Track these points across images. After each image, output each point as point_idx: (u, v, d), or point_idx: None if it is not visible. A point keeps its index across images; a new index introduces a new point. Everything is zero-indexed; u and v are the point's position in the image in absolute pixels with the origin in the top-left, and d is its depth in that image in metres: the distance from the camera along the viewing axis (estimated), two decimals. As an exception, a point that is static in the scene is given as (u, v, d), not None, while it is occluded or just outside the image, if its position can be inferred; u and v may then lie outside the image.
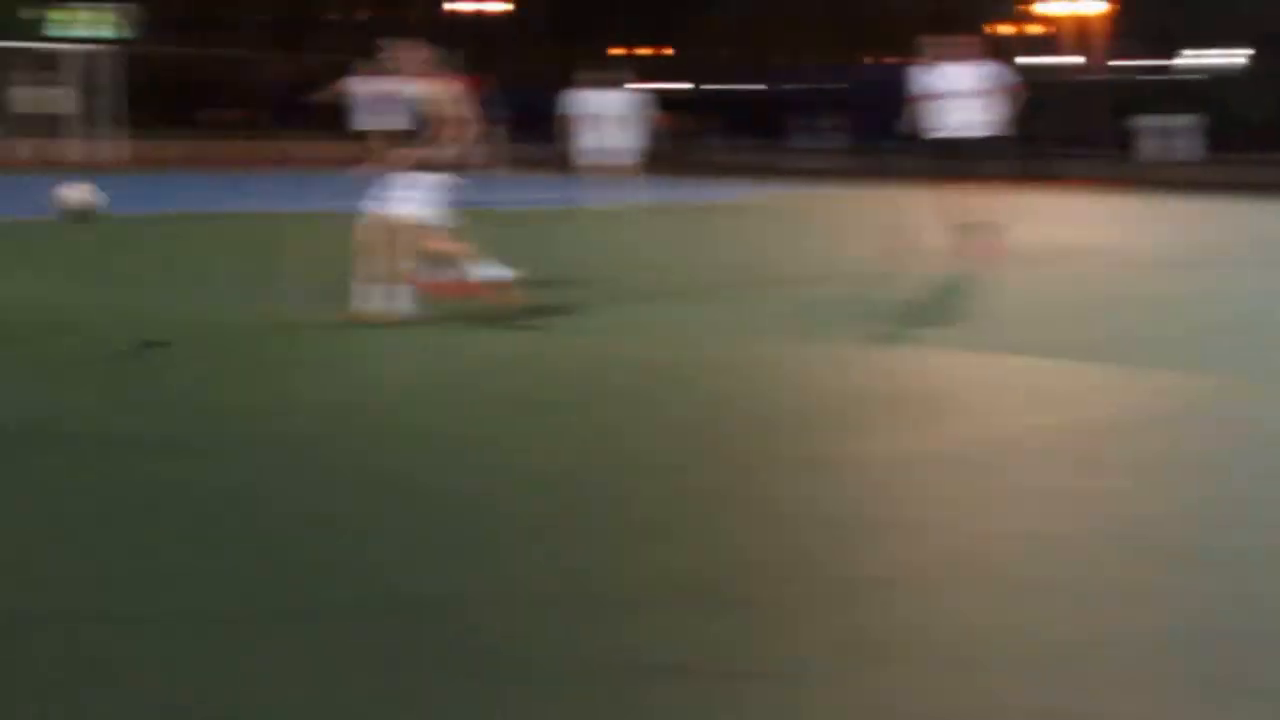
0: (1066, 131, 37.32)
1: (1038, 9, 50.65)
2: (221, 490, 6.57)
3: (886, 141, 28.91)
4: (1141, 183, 33.40)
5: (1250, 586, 5.44)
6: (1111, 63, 47.46)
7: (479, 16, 55.70)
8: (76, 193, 8.80)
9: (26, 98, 29.85)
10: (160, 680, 4.41)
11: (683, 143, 36.16)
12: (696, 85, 51.00)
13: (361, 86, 23.14)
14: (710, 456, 7.44)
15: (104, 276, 14.21)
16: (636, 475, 7.04)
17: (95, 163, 31.52)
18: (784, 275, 15.44)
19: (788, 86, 48.41)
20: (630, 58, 50.91)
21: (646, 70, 41.53)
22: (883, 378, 9.63)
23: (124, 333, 10.50)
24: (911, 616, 5.06)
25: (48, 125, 29.93)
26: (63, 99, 30.08)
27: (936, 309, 13.21)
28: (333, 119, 24.55)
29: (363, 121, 22.98)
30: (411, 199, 11.01)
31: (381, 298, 10.96)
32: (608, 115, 23.44)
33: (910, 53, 18.06)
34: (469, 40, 50.37)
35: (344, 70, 24.41)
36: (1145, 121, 39.02)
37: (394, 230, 10.95)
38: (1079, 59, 48.49)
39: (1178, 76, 46.57)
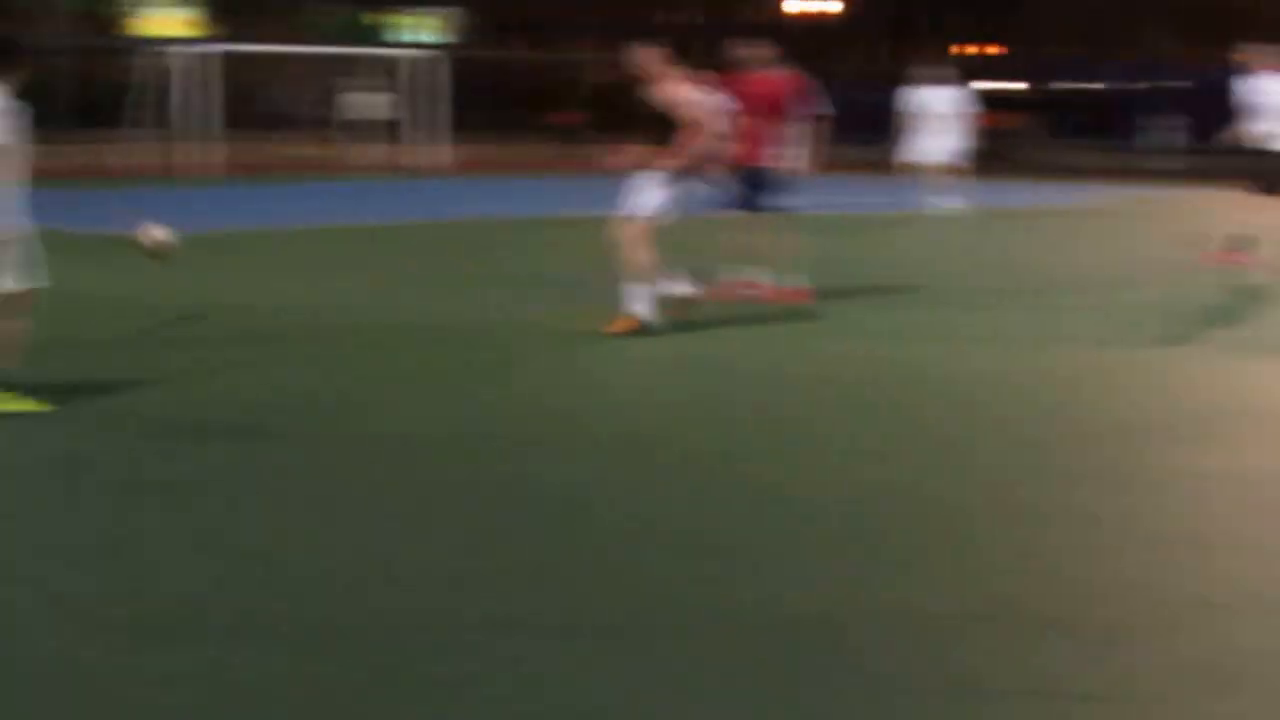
0: None
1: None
2: (580, 492, 6.87)
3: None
4: None
5: None
6: None
7: (811, 17, 55.85)
8: (155, 233, 9.18)
9: (358, 103, 31.09)
10: (523, 688, 4.57)
11: (1012, 143, 35.69)
12: (1031, 83, 50.17)
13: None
14: (1032, 469, 7.43)
15: (451, 281, 14.76)
16: (962, 489, 7.06)
17: (423, 167, 32.72)
18: (1116, 280, 15.13)
19: (1129, 84, 47.18)
20: (962, 55, 50.40)
21: (978, 68, 41.00)
22: (1220, 390, 9.42)
23: (463, 340, 10.97)
24: (1253, 642, 4.96)
25: (379, 130, 31.09)
26: (391, 104, 31.22)
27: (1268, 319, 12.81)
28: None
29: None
30: (650, 200, 11.21)
31: (644, 299, 11.11)
32: (938, 114, 23.29)
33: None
34: (803, 40, 50.69)
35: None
36: None
37: (636, 230, 11.17)
38: None
39: None
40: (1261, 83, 16.57)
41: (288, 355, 10.49)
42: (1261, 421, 8.50)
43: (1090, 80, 49.48)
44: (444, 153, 33.56)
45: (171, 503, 6.62)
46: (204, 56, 30.82)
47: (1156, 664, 4.77)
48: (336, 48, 38.53)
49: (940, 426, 8.42)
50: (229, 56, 32.10)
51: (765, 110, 12.86)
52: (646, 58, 11.16)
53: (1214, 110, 30.54)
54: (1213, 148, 28.89)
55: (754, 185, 12.94)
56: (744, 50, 13.06)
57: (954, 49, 52.65)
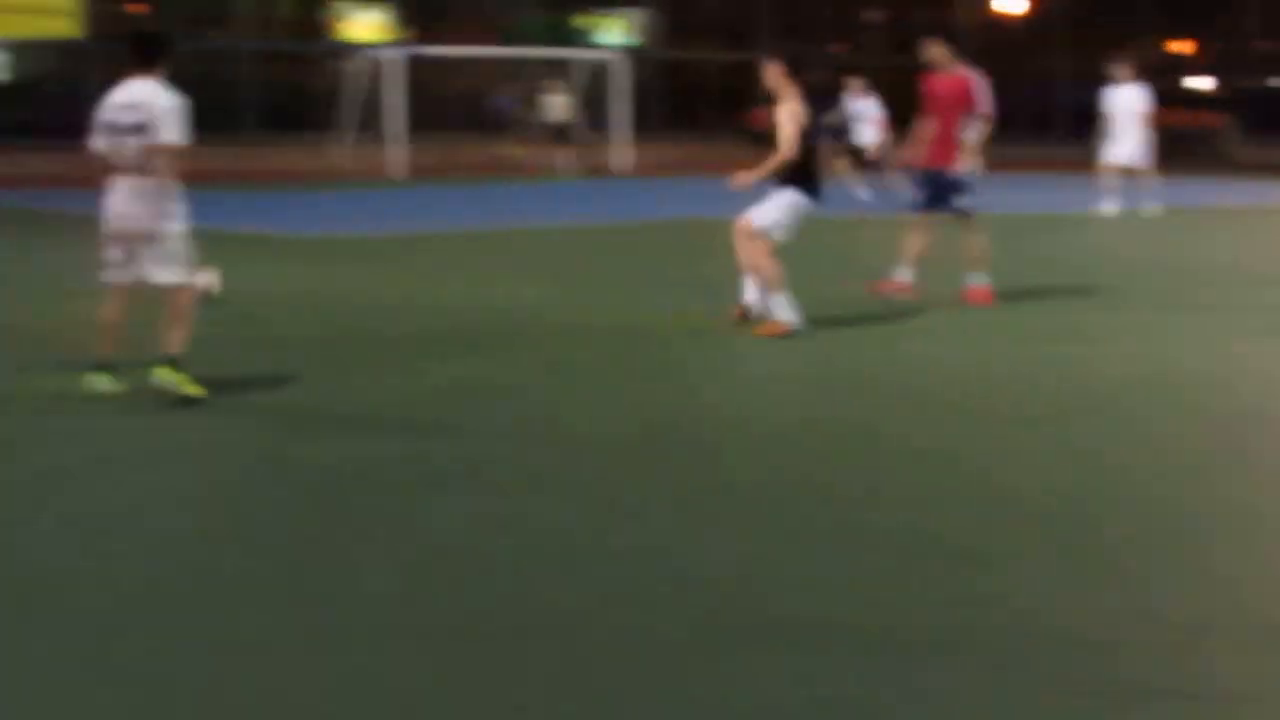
0: None
1: None
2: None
3: None
4: None
5: None
6: None
7: (1012, 17, 55.35)
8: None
9: (551, 104, 31.68)
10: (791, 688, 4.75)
11: (1211, 140, 35.14)
12: (1225, 81, 49.18)
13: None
14: (1240, 468, 7.57)
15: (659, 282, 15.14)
16: (1180, 490, 7.19)
17: (607, 169, 33.23)
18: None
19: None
20: (1154, 53, 49.56)
21: (1171, 67, 40.36)
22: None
23: (637, 338, 11.36)
24: None
25: (561, 132, 31.62)
26: (570, 105, 31.79)
27: None
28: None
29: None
30: (765, 211, 11.47)
31: (784, 305, 11.35)
32: (1126, 113, 23.18)
33: None
34: (1004, 38, 50.38)
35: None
36: None
37: (748, 238, 11.44)
38: None
39: None
40: None
41: (479, 352, 10.88)
42: None
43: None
44: (628, 154, 34.03)
45: (393, 502, 7.01)
46: (394, 60, 31.61)
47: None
48: (519, 49, 39.22)
49: (1151, 426, 8.55)
50: (417, 59, 32.88)
51: (943, 111, 13.01)
52: (770, 72, 11.39)
53: None
54: None
55: (937, 186, 13.10)
56: (926, 51, 13.20)
57: (1149, 47, 51.79)
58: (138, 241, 8.92)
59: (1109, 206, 22.86)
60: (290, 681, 4.80)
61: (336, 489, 7.08)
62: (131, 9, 41.59)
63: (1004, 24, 52.71)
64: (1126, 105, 23.17)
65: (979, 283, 13.07)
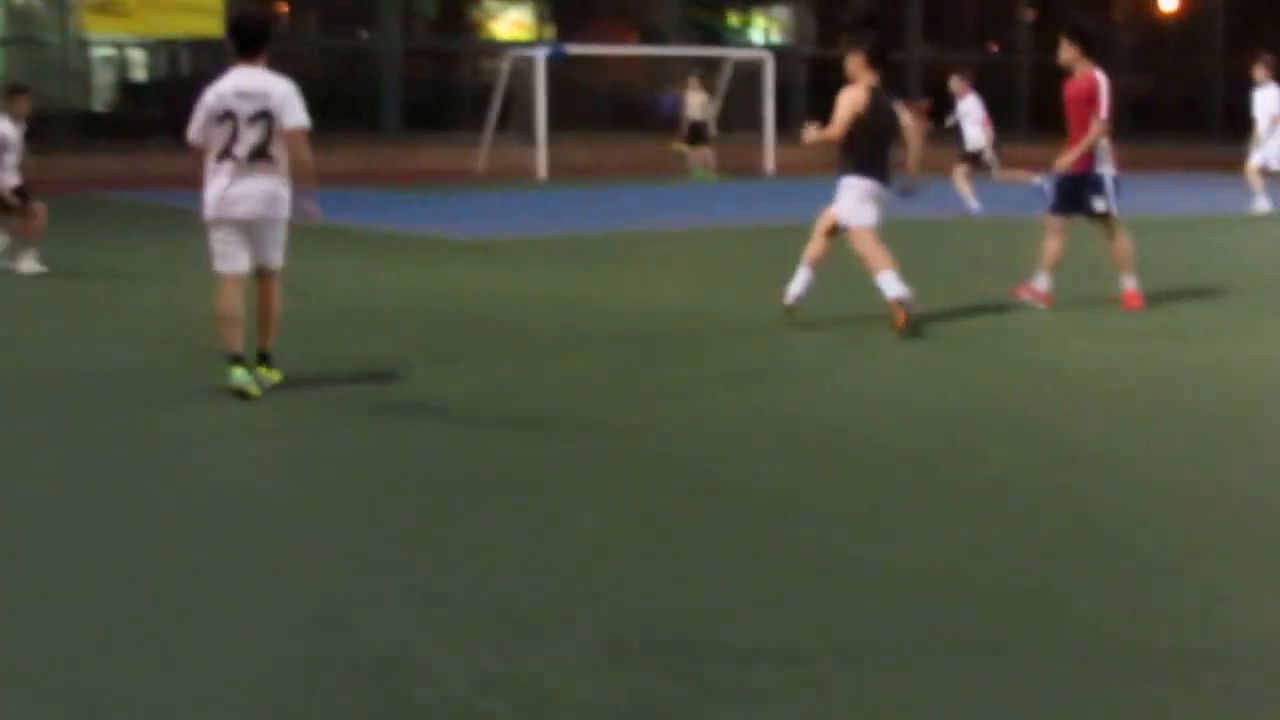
0: None
1: None
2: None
3: None
4: None
5: None
6: None
7: (1167, 16, 54.66)
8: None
9: (689, 103, 31.87)
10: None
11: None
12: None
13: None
14: None
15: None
16: None
17: (752, 168, 33.41)
18: None
19: None
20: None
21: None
22: None
23: (784, 339, 11.58)
24: None
25: (700, 131, 31.78)
26: (708, 104, 31.91)
27: None
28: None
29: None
30: (839, 205, 11.82)
31: (892, 283, 11.54)
32: (1265, 114, 22.97)
33: None
34: (1160, 37, 49.77)
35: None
36: None
37: (860, 234, 11.74)
38: None
39: None
40: None
41: (606, 352, 11.20)
42: None
43: None
44: (774, 154, 34.15)
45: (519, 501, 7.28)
46: (539, 59, 31.93)
47: None
48: (670, 48, 39.44)
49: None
50: (563, 57, 33.17)
51: (1074, 113, 12.95)
52: (852, 62, 11.77)
53: None
54: None
55: (1071, 190, 13.09)
56: (1061, 52, 13.16)
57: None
58: (262, 229, 9.20)
59: (1261, 207, 22.70)
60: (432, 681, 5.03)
61: (494, 484, 7.30)
62: (279, 7, 42.40)
63: (1161, 23, 52.05)
64: (1265, 106, 22.98)
65: (1130, 285, 13.08)
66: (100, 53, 37.77)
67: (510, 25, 45.55)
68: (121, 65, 39.37)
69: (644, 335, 11.77)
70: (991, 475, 7.56)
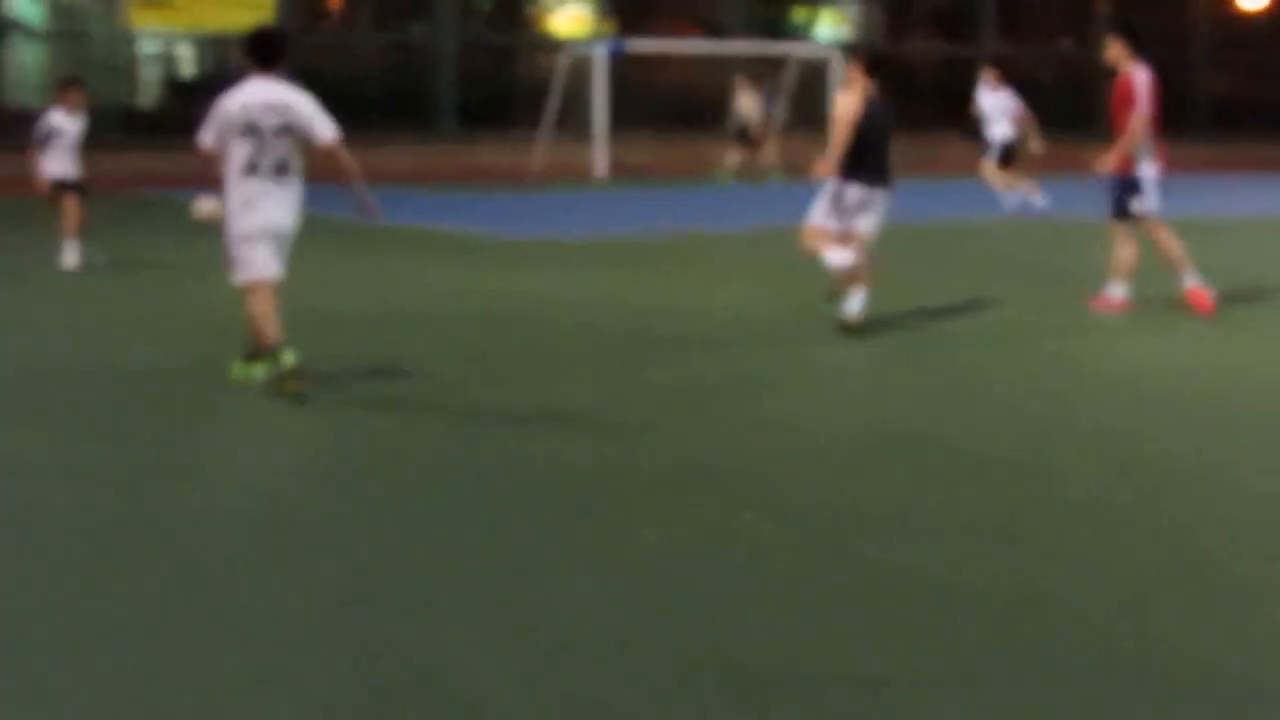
0: None
1: None
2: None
3: None
4: None
5: None
6: None
7: (1250, 14, 54.22)
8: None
9: (739, 103, 31.65)
10: None
11: None
12: None
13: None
14: None
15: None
16: None
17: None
18: None
19: None
20: None
21: None
22: None
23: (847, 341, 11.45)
24: None
25: (746, 132, 31.56)
26: (755, 106, 31.64)
27: None
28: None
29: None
30: (816, 207, 12.03)
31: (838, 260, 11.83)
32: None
33: None
34: (1241, 34, 49.36)
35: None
36: None
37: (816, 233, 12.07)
38: None
39: None
40: None
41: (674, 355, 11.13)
42: None
43: None
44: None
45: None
46: (599, 55, 31.85)
47: None
48: (726, 44, 39.32)
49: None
50: (623, 54, 33.08)
51: (1116, 112, 12.73)
52: (851, 70, 12.09)
53: None
54: None
55: (1118, 192, 12.88)
56: (1106, 49, 12.91)
57: None
58: (286, 240, 9.29)
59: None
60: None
61: (557, 497, 7.22)
62: (333, 4, 42.54)
63: (1243, 19, 51.64)
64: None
65: (1193, 283, 12.85)
66: (147, 49, 37.97)
67: (569, 20, 45.58)
68: (168, 62, 39.57)
69: (709, 341, 11.67)
70: (1080, 492, 7.38)
